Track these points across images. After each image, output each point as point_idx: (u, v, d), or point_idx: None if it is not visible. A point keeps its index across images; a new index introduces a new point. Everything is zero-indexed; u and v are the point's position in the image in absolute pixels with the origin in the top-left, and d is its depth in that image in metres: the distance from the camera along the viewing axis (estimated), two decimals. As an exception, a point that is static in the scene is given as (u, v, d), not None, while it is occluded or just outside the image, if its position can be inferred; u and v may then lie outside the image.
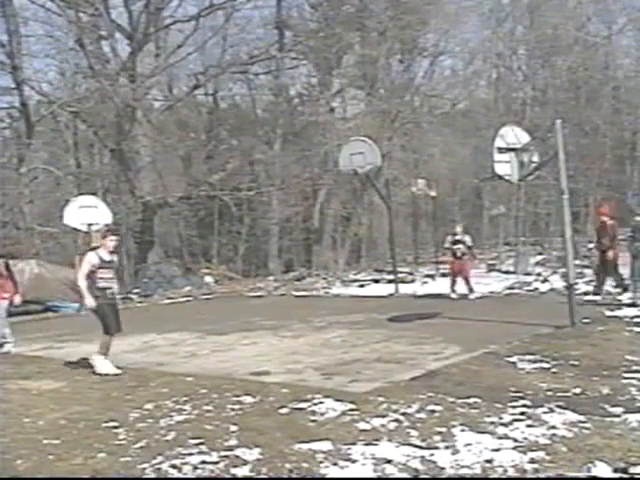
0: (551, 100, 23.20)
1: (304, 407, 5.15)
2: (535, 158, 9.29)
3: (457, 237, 13.49)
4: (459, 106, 26.14)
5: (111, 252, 7.39)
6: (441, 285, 15.18)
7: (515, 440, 4.10)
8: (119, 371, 7.13)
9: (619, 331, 7.91)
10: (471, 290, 13.19)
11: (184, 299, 17.77)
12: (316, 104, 23.96)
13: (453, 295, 13.28)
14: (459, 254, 13.37)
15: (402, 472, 3.73)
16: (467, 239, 13.47)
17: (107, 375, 7.01)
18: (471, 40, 24.90)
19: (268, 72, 25.56)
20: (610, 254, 11.35)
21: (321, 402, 5.22)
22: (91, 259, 7.22)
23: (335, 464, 3.88)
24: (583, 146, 21.24)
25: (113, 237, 7.44)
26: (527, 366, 6.23)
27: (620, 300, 10.71)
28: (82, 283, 7.20)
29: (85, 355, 8.65)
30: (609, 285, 12.26)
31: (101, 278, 7.21)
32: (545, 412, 4.62)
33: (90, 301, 7.19)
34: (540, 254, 19.67)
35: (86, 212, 15.66)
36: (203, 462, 4.06)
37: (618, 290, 11.48)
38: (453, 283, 13.42)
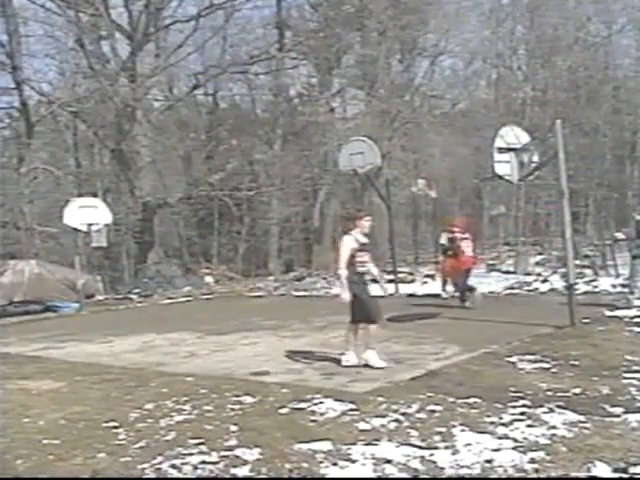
0: (551, 100, 23.21)
1: (304, 407, 5.15)
2: (535, 158, 9.29)
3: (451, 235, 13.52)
4: (459, 106, 26.13)
5: (365, 234, 6.89)
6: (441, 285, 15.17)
7: (515, 440, 4.10)
8: (384, 364, 6.51)
9: (619, 331, 7.90)
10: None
11: (184, 299, 17.77)
12: (316, 104, 23.96)
13: (444, 294, 13.33)
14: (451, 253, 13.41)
15: (402, 472, 3.72)
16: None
17: (381, 369, 6.39)
18: (471, 40, 24.86)
19: (268, 72, 25.54)
20: (461, 266, 11.71)
21: (321, 402, 5.22)
22: (350, 243, 6.66)
23: (335, 464, 3.88)
24: (583, 146, 21.25)
25: (368, 217, 6.91)
26: (527, 366, 6.23)
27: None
28: (342, 272, 6.62)
29: (86, 355, 8.67)
30: (608, 285, 12.29)
31: (359, 262, 6.67)
32: (545, 412, 4.62)
33: (346, 295, 6.65)
34: (540, 254, 19.67)
35: (86, 212, 15.68)
36: (203, 462, 4.06)
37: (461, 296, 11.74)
38: (444, 282, 13.48)
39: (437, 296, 13.63)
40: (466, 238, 11.96)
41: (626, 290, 10.62)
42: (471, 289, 11.66)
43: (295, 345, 8.52)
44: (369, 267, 6.86)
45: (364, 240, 6.75)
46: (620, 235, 11.89)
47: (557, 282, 13.73)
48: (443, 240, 13.78)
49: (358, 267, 6.65)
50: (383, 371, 6.43)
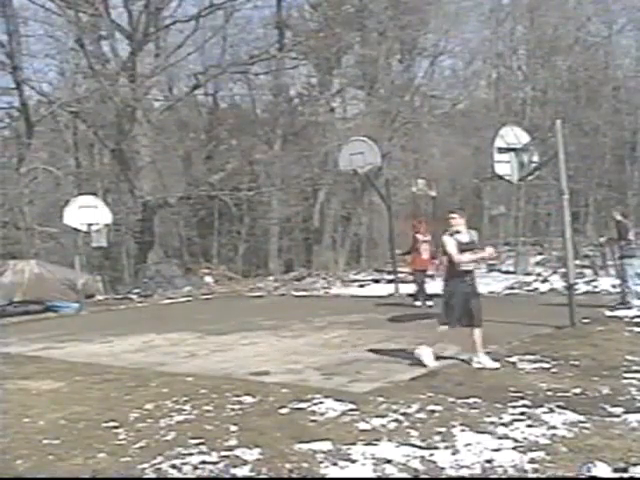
0: (551, 100, 23.20)
1: (304, 407, 5.15)
2: (535, 158, 9.29)
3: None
4: (459, 106, 26.12)
5: (462, 233, 6.69)
6: (441, 285, 15.20)
7: (515, 440, 4.10)
8: (436, 364, 6.44)
9: (619, 331, 7.90)
10: None
11: (184, 299, 17.77)
12: (316, 104, 23.99)
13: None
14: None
15: (402, 472, 3.72)
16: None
17: (429, 367, 6.39)
18: (471, 40, 24.89)
19: (268, 72, 25.54)
20: (415, 267, 12.16)
21: (321, 402, 5.22)
22: (452, 242, 6.51)
23: (335, 464, 3.88)
24: (583, 146, 21.24)
25: (455, 215, 6.74)
26: (527, 366, 6.23)
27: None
28: (465, 257, 6.43)
29: (86, 355, 8.67)
30: (608, 285, 12.27)
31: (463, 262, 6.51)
32: (545, 412, 4.62)
33: (467, 257, 6.39)
34: (540, 254, 19.67)
35: (86, 212, 15.69)
36: (203, 462, 4.06)
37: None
38: None
39: (437, 296, 13.63)
40: (427, 241, 12.24)
41: (619, 290, 10.59)
42: (416, 295, 12.11)
43: (295, 345, 8.51)
44: (472, 266, 6.64)
45: (466, 239, 6.61)
46: (603, 239, 12.00)
47: (557, 282, 13.73)
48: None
49: (461, 266, 6.51)
50: (383, 371, 6.43)
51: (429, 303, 12.16)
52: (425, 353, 6.56)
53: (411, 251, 12.46)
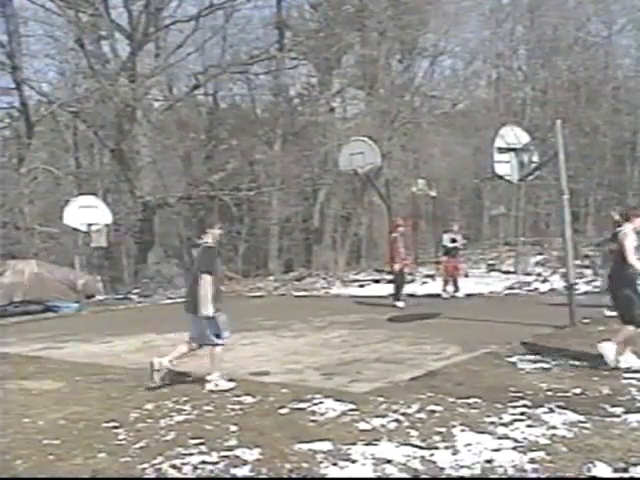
0: (551, 100, 23.20)
1: (304, 407, 5.15)
2: (535, 158, 9.29)
3: (453, 236, 13.88)
4: (459, 106, 26.12)
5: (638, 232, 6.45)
6: (441, 285, 15.21)
7: (515, 440, 4.10)
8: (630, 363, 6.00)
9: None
10: (457, 289, 13.61)
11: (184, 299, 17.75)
12: (316, 104, 23.98)
13: (444, 294, 13.52)
14: (454, 253, 13.76)
15: (402, 472, 3.72)
16: (458, 238, 13.92)
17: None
18: (471, 40, 24.90)
19: (268, 72, 25.54)
20: (395, 266, 12.28)
21: (321, 402, 5.22)
22: (632, 237, 6.23)
23: (335, 464, 3.88)
24: (583, 146, 21.25)
25: None
26: (527, 366, 6.23)
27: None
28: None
29: (86, 355, 8.67)
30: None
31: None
32: (545, 412, 4.62)
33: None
34: (540, 254, 19.66)
35: (86, 212, 15.68)
36: (203, 462, 4.06)
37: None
38: (446, 283, 13.70)
39: (437, 296, 13.66)
40: (403, 240, 12.47)
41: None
42: (397, 295, 12.25)
43: (295, 345, 8.51)
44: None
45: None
46: (596, 240, 12.03)
47: (557, 282, 13.73)
48: (445, 241, 14.00)
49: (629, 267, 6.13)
50: (383, 371, 6.43)
51: (399, 304, 12.22)
52: (609, 349, 6.02)
53: (393, 251, 12.52)
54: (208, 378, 6.10)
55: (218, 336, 6.22)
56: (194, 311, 6.07)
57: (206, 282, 5.94)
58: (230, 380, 6.15)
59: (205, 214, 26.96)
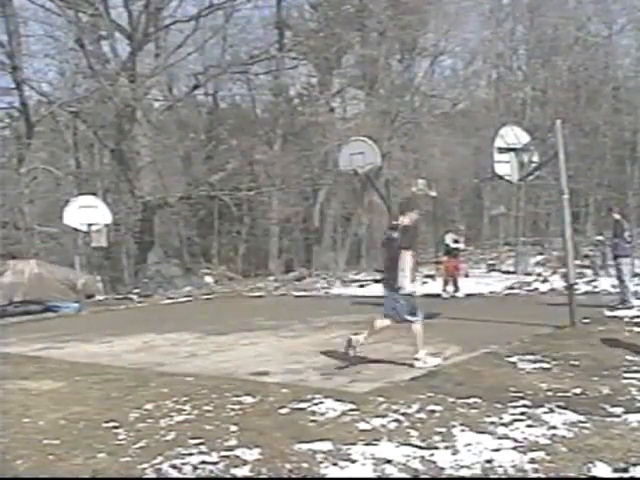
0: (551, 100, 23.21)
1: (304, 407, 5.15)
2: (535, 158, 9.29)
3: (455, 236, 13.95)
4: (459, 106, 26.15)
5: None
6: (441, 285, 15.22)
7: (515, 440, 4.10)
8: None
9: (619, 331, 7.90)
10: (457, 289, 13.69)
11: (184, 299, 17.77)
12: (316, 104, 23.98)
13: (444, 294, 13.54)
14: (455, 253, 13.82)
15: (402, 472, 3.72)
16: (460, 239, 14.06)
17: None
18: (471, 40, 24.93)
19: (268, 72, 25.57)
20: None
21: (321, 402, 5.22)
22: None
23: (335, 464, 3.88)
24: (583, 146, 21.24)
25: None
26: (527, 366, 6.23)
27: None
28: None
29: (86, 355, 8.66)
30: (608, 285, 12.26)
31: None
32: (545, 412, 4.62)
33: None
34: (540, 254, 19.67)
35: (86, 212, 15.68)
36: (203, 462, 4.06)
37: None
38: (446, 282, 13.73)
39: (437, 296, 13.66)
40: None
41: (619, 290, 10.56)
42: None
43: (295, 345, 8.51)
44: None
45: None
46: (601, 238, 12.04)
47: (557, 282, 13.74)
48: (447, 241, 14.04)
49: None
50: (383, 371, 6.43)
51: None
52: None
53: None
54: (416, 356, 6.47)
55: (414, 314, 6.48)
56: (391, 288, 6.41)
57: (406, 257, 6.29)
58: (433, 355, 6.54)
59: (205, 214, 27.02)
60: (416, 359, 6.47)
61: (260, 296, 17.12)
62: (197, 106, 28.47)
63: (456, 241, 14.01)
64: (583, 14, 24.51)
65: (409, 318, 6.46)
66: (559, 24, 23.69)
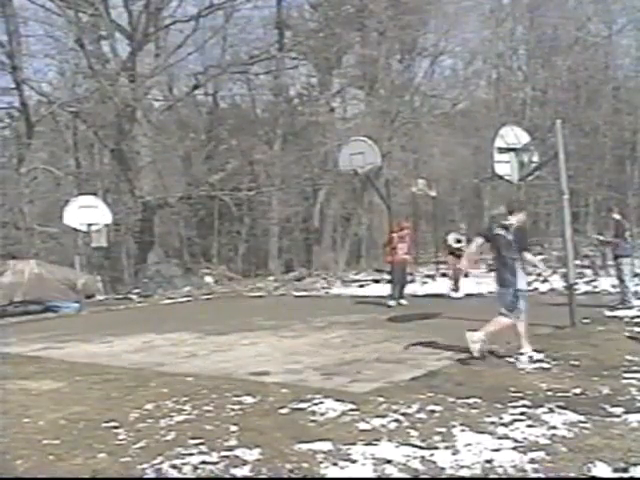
0: (551, 100, 23.24)
1: (304, 407, 5.15)
2: (535, 158, 9.29)
3: (458, 236, 13.97)
4: (459, 106, 26.15)
5: None
6: (441, 285, 15.22)
7: (515, 440, 4.10)
8: None
9: (619, 331, 7.89)
10: (457, 289, 13.76)
11: (184, 299, 17.77)
12: (316, 104, 23.99)
13: (454, 294, 13.61)
14: (458, 253, 13.83)
15: (402, 472, 3.72)
16: (463, 239, 14.10)
17: None
18: (471, 40, 24.94)
19: (268, 72, 25.56)
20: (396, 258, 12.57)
21: (321, 402, 5.22)
22: None
23: (335, 464, 3.87)
24: (583, 146, 21.25)
25: None
26: (527, 366, 6.23)
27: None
28: None
29: (86, 355, 8.67)
30: (608, 285, 12.27)
31: None
32: (545, 412, 4.62)
33: None
34: (540, 254, 19.67)
35: (86, 212, 15.69)
36: (203, 462, 4.06)
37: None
38: (456, 282, 13.82)
39: (437, 296, 13.68)
40: (404, 240, 12.65)
41: (619, 290, 10.56)
42: (392, 294, 12.40)
43: (295, 345, 8.51)
44: None
45: None
46: (601, 237, 12.06)
47: (557, 282, 13.73)
48: (450, 241, 14.08)
49: None
50: (383, 371, 6.43)
51: (403, 302, 12.27)
52: None
53: (391, 251, 12.63)
54: (521, 351, 6.57)
55: (510, 310, 6.63)
56: (501, 284, 6.68)
57: (527, 257, 6.67)
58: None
59: (205, 214, 27.02)
60: (520, 353, 6.58)
61: (260, 296, 17.11)
62: (197, 106, 28.47)
63: (459, 241, 14.02)
64: (583, 14, 24.52)
65: (503, 311, 6.67)
66: (559, 24, 23.72)
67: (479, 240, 6.93)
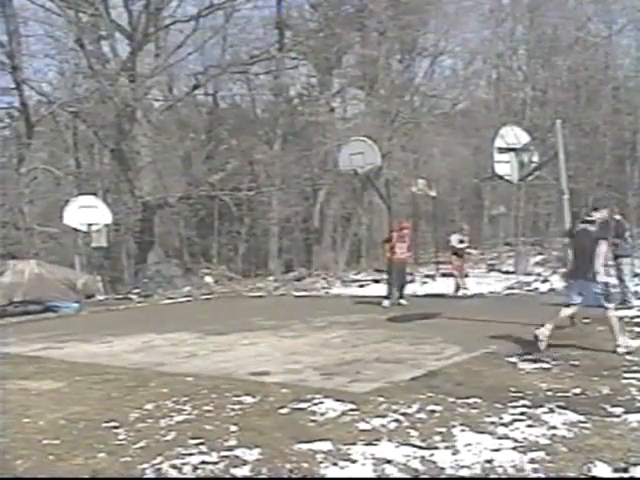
0: (551, 100, 23.23)
1: (304, 407, 5.15)
2: (535, 158, 9.29)
3: (461, 237, 14.07)
4: (459, 106, 26.14)
5: None
6: (441, 285, 15.24)
7: (515, 440, 4.10)
8: None
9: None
10: (458, 289, 13.94)
11: (184, 299, 17.77)
12: (316, 104, 23.99)
13: (460, 293, 13.71)
14: (461, 254, 13.95)
15: (402, 472, 3.72)
16: (465, 239, 14.15)
17: None
18: (471, 40, 24.92)
19: (268, 72, 25.56)
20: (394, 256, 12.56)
21: (321, 402, 5.22)
22: None
23: (335, 464, 3.88)
24: (583, 146, 21.25)
25: None
26: (527, 366, 6.23)
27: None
28: None
29: (86, 355, 8.66)
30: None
31: None
32: (545, 412, 4.62)
33: None
34: (540, 254, 19.68)
35: (86, 212, 15.68)
36: (203, 462, 4.06)
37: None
38: (463, 281, 13.94)
39: (437, 296, 13.70)
40: (403, 240, 12.63)
41: (619, 290, 10.58)
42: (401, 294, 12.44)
43: (295, 345, 8.51)
44: None
45: None
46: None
47: (557, 282, 13.74)
48: (453, 242, 14.15)
49: None
50: (383, 371, 6.43)
51: (403, 302, 12.27)
52: None
53: (389, 251, 12.63)
54: (618, 343, 6.68)
55: (609, 302, 6.85)
56: (584, 277, 6.80)
57: (603, 247, 6.74)
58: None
59: (205, 214, 27.01)
60: (617, 345, 6.66)
61: (260, 296, 17.11)
62: (197, 106, 28.47)
63: (461, 241, 14.12)
64: (583, 14, 24.50)
65: (607, 305, 6.76)
66: (559, 24, 23.70)
67: (603, 244, 6.80)
